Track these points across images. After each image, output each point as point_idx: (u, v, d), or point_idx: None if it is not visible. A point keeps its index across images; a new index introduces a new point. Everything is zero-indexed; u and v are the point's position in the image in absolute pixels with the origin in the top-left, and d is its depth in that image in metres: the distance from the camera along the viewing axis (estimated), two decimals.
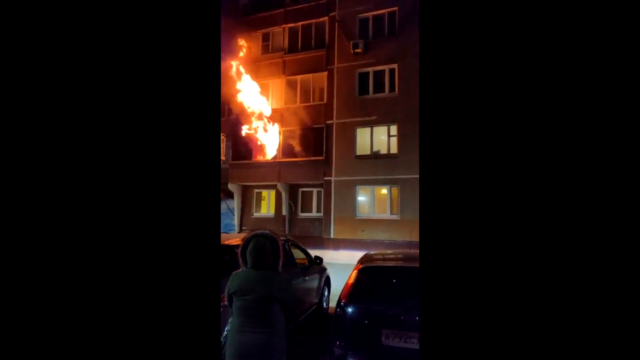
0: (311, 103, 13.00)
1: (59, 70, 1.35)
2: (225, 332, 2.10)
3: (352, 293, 2.88)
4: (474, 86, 1.32)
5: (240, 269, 2.17)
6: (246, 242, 2.15)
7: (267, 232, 2.20)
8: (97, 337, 1.29)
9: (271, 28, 13.99)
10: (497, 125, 1.28)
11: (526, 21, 1.28)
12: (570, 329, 1.16)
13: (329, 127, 12.48)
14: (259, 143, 13.15)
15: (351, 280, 2.99)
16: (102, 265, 1.32)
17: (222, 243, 3.61)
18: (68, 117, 1.35)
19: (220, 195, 1.77)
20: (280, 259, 2.17)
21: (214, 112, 1.51)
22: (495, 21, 1.31)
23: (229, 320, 2.28)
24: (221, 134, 12.52)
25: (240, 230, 13.34)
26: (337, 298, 3.01)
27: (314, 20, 13.32)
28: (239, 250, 2.17)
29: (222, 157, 12.77)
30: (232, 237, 4.00)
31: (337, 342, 2.76)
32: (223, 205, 14.09)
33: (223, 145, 12.57)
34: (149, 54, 1.42)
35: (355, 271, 3.08)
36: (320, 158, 12.38)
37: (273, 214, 13.50)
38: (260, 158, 13.26)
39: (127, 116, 1.38)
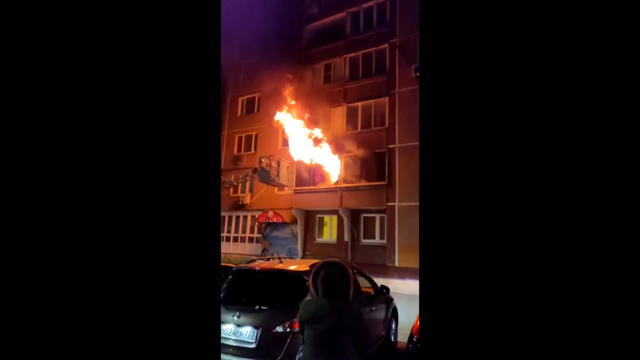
0: (372, 128, 13.02)
1: (59, 70, 1.34)
2: (297, 358, 2.08)
3: None
4: (474, 88, 1.33)
5: (310, 297, 2.16)
6: (317, 270, 2.14)
7: (338, 260, 2.18)
8: (97, 337, 1.29)
9: (333, 59, 14.59)
10: (497, 126, 1.29)
11: (526, 21, 1.29)
12: (570, 329, 1.17)
13: (391, 152, 12.29)
14: (321, 169, 13.44)
15: None
16: (102, 266, 1.31)
17: (288, 269, 3.67)
18: (68, 117, 1.34)
19: (220, 199, 1.76)
20: (351, 288, 2.12)
21: (214, 113, 1.50)
22: (495, 22, 1.32)
23: (300, 348, 2.26)
24: (286, 161, 13.08)
25: (304, 256, 13.48)
26: (406, 331, 2.82)
27: (374, 48, 13.59)
28: (310, 278, 2.17)
29: (286, 184, 13.26)
30: (298, 263, 4.04)
31: None
32: (287, 231, 14.48)
33: (287, 172, 13.09)
34: (149, 55, 1.42)
35: None
36: (382, 183, 12.17)
37: (335, 240, 13.44)
38: (321, 184, 13.50)
39: (128, 117, 1.38)
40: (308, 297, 2.18)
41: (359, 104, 13.45)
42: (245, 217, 16.46)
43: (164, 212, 1.39)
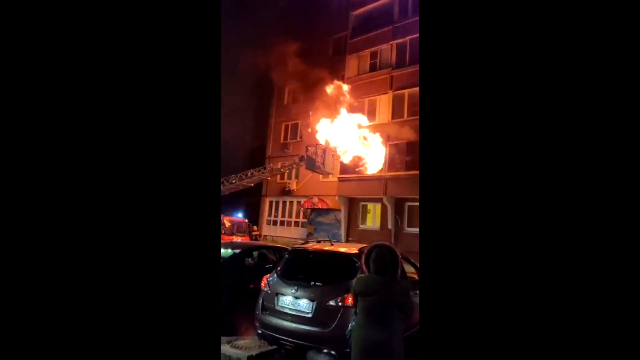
0: (418, 117, 12.83)
1: (59, 70, 1.34)
2: (350, 327, 2.44)
3: None
4: (474, 87, 1.31)
5: (361, 274, 2.50)
6: (370, 250, 2.47)
7: (388, 243, 2.49)
8: (97, 336, 1.28)
9: (379, 46, 14.46)
10: (497, 126, 1.27)
11: (526, 22, 1.27)
12: (569, 329, 1.16)
13: None
14: (363, 160, 13.59)
15: None
16: (102, 265, 1.31)
17: (339, 251, 4.05)
18: (68, 117, 1.34)
19: (220, 197, 1.81)
20: (399, 268, 2.43)
21: (214, 112, 1.50)
22: (494, 22, 1.30)
23: (353, 317, 2.62)
24: (330, 149, 13.40)
25: (347, 241, 13.89)
26: None
27: None
28: (363, 257, 2.50)
29: (332, 171, 13.62)
30: (347, 246, 4.39)
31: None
32: (331, 216, 14.94)
33: (332, 160, 13.42)
34: (150, 55, 1.42)
35: None
36: None
37: (379, 227, 13.65)
38: (365, 171, 13.68)
39: (128, 117, 1.39)
40: (360, 274, 2.52)
41: (406, 91, 13.29)
42: (291, 203, 17.18)
43: (164, 210, 1.39)
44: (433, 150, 1.37)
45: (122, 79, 1.39)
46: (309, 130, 14.52)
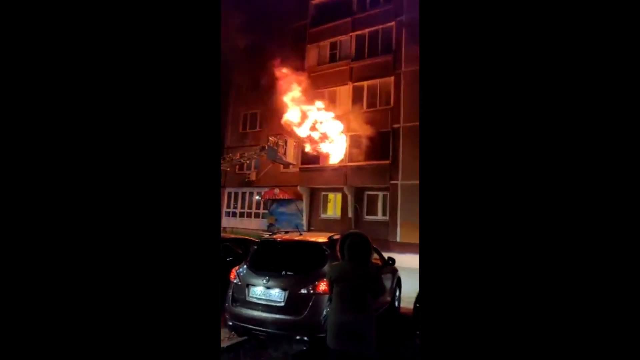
0: (378, 108, 13.23)
1: (59, 69, 1.33)
2: (325, 312, 2.55)
3: None
4: (474, 87, 1.32)
5: (337, 262, 2.61)
6: (343, 238, 2.57)
7: (360, 232, 2.61)
8: (97, 335, 1.28)
9: (339, 37, 14.55)
10: (497, 127, 1.28)
11: (526, 22, 1.28)
12: (569, 329, 1.15)
13: (395, 131, 12.58)
14: (324, 151, 13.75)
15: None
16: (102, 263, 1.31)
17: (309, 241, 4.13)
18: (69, 116, 1.33)
19: (220, 195, 1.84)
20: (371, 254, 2.56)
21: (214, 111, 1.51)
22: (494, 22, 1.31)
23: (327, 304, 2.73)
24: (293, 140, 13.37)
25: (309, 230, 14.07)
26: (407, 299, 3.29)
27: (380, 26, 13.55)
28: (337, 245, 2.60)
29: (293, 162, 13.62)
30: (316, 235, 4.46)
31: (417, 332, 3.07)
32: (292, 207, 15.00)
33: (294, 150, 13.41)
34: (150, 54, 1.42)
35: None
36: (386, 162, 12.54)
37: (339, 216, 13.98)
38: (328, 161, 13.87)
39: (128, 116, 1.38)
40: (333, 262, 2.62)
41: (365, 83, 13.58)
42: (251, 194, 16.94)
43: (163, 209, 1.38)
44: (433, 150, 1.36)
45: (122, 78, 1.38)
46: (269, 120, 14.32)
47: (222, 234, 12.29)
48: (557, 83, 1.24)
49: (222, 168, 14.10)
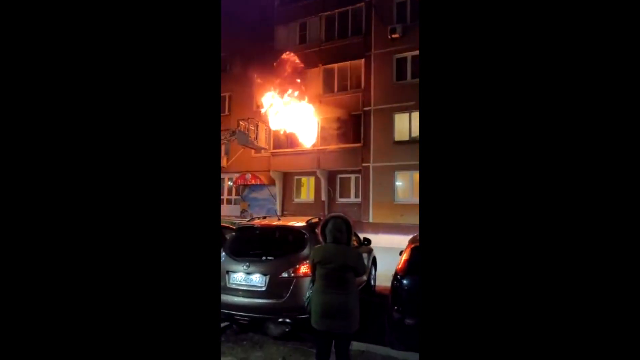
0: (349, 91, 13.23)
1: (58, 70, 1.33)
2: (308, 294, 2.60)
3: (407, 267, 3.30)
4: (474, 85, 1.32)
5: (319, 244, 2.65)
6: (325, 222, 2.61)
7: (342, 214, 2.66)
8: (96, 334, 1.28)
9: (308, 18, 14.24)
10: (497, 125, 1.28)
11: (526, 21, 1.28)
12: (569, 329, 1.16)
13: (366, 114, 12.69)
14: (295, 134, 13.63)
15: (406, 257, 3.41)
16: (102, 262, 1.31)
17: (288, 225, 4.15)
18: (69, 116, 1.33)
19: (220, 192, 1.81)
20: (352, 235, 2.63)
21: (214, 110, 1.51)
22: (494, 21, 1.31)
23: (309, 286, 2.78)
24: (263, 124, 13.14)
25: (282, 215, 14.09)
26: (382, 277, 3.42)
27: (350, 7, 13.39)
28: (319, 228, 2.64)
29: (265, 146, 13.43)
30: (294, 219, 4.49)
31: (395, 308, 3.22)
32: (265, 192, 14.88)
33: (265, 135, 13.20)
34: (150, 54, 1.41)
35: (408, 249, 3.50)
36: (358, 145, 12.68)
37: (313, 200, 14.08)
38: (299, 146, 13.81)
39: (128, 115, 1.38)
40: (315, 245, 2.66)
41: (335, 65, 13.48)
42: (222, 180, 16.59)
43: (164, 208, 1.38)
44: (433, 149, 1.37)
45: (121, 78, 1.38)
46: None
47: None
48: (556, 82, 1.24)
49: None
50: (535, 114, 1.25)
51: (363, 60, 12.90)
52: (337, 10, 13.66)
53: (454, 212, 1.30)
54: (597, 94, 1.20)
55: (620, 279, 1.13)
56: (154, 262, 1.34)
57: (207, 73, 1.48)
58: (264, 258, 3.72)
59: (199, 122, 1.45)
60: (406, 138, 11.99)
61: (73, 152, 1.32)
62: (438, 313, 1.28)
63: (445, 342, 1.26)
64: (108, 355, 1.27)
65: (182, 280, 1.37)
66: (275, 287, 3.51)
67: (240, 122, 12.29)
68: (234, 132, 12.27)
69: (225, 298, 3.73)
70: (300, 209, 13.70)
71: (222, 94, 16.81)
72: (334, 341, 2.44)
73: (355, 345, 3.15)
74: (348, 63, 13.26)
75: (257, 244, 3.98)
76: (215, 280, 1.50)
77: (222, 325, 3.99)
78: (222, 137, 12.91)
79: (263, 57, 13.56)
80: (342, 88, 13.43)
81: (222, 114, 16.71)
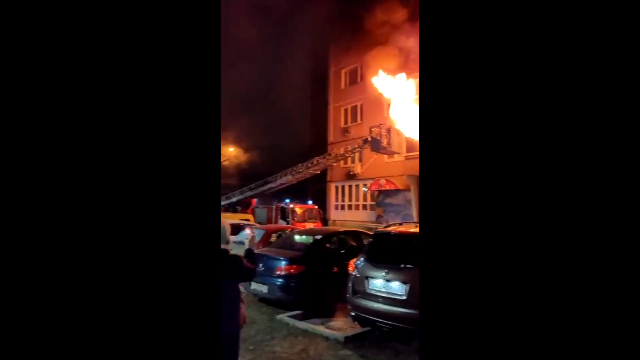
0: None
1: (58, 70, 1.33)
2: None
3: None
4: (474, 85, 1.32)
5: None
6: None
7: None
8: (96, 334, 1.27)
9: None
10: (497, 125, 1.29)
11: (526, 21, 1.28)
12: (569, 329, 1.17)
13: None
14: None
15: None
16: (102, 263, 1.30)
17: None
18: (69, 116, 1.33)
19: (220, 195, 1.69)
20: None
21: (214, 110, 1.49)
22: (495, 21, 1.32)
23: None
24: (396, 128, 12.98)
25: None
26: None
27: None
28: None
29: (398, 151, 13.24)
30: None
31: None
32: (400, 197, 14.61)
33: (398, 139, 13.00)
34: (149, 53, 1.41)
35: None
36: None
37: None
38: None
39: (128, 115, 1.38)
40: None
41: None
42: (357, 186, 17.19)
43: (163, 207, 1.38)
44: (433, 149, 1.39)
45: (121, 77, 1.38)
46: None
47: (333, 227, 12.81)
48: (556, 82, 1.25)
49: (327, 164, 14.66)
50: (535, 114, 1.26)
51: None
52: None
53: (454, 212, 1.31)
54: (600, 93, 1.20)
55: (620, 277, 1.14)
56: (154, 262, 1.34)
57: (207, 73, 1.47)
58: (402, 266, 3.62)
59: (199, 122, 1.44)
60: None
61: (73, 152, 1.32)
62: (438, 313, 1.30)
63: (445, 342, 1.28)
64: (108, 355, 1.28)
65: (182, 280, 1.36)
66: (416, 297, 3.36)
67: (372, 129, 12.49)
68: (366, 140, 12.57)
69: (366, 303, 3.79)
70: None
71: (354, 104, 17.56)
72: None
73: None
74: None
75: (394, 251, 3.91)
76: (215, 281, 1.50)
77: (364, 330, 4.06)
78: (356, 146, 13.39)
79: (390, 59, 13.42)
80: None
81: (355, 123, 17.42)
